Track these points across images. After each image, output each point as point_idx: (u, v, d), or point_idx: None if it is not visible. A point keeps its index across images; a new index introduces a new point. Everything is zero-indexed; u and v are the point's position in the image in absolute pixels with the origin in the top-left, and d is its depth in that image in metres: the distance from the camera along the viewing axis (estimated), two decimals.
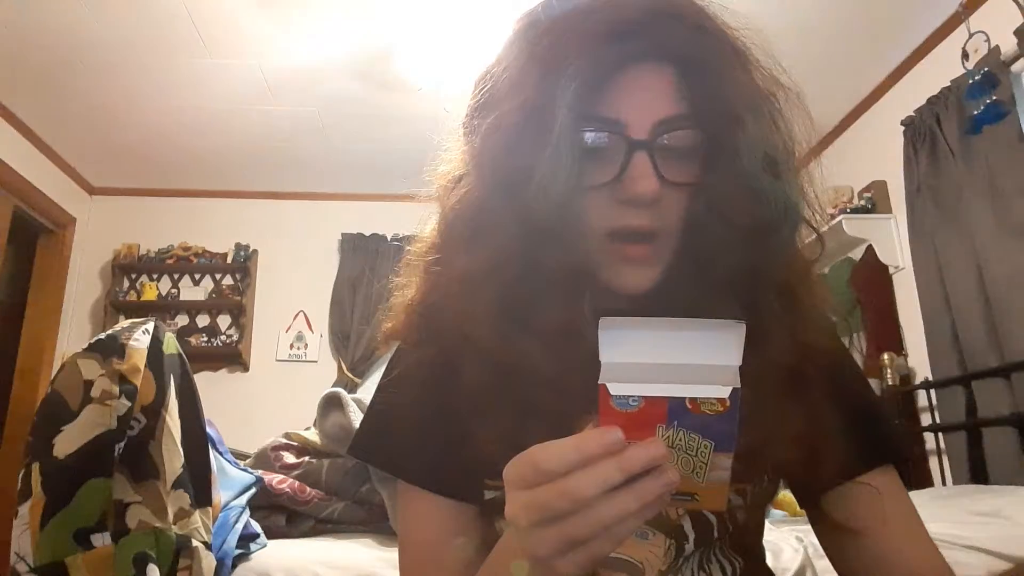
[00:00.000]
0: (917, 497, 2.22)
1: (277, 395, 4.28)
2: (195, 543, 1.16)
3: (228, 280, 4.54)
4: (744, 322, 0.42)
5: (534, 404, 0.56)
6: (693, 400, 0.41)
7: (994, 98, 2.40)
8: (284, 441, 1.78)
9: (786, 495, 2.09)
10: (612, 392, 0.41)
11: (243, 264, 4.48)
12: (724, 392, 0.40)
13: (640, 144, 0.57)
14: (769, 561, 0.75)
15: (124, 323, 1.24)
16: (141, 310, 4.31)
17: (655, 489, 0.41)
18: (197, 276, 4.53)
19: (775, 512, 2.20)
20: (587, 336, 0.54)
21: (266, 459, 1.71)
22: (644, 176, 0.57)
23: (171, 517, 1.14)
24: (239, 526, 1.34)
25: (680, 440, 0.42)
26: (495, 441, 0.52)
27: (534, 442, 0.44)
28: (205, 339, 4.34)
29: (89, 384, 1.11)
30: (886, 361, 3.02)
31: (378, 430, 0.72)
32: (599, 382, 0.41)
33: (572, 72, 0.56)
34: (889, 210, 3.32)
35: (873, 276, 3.32)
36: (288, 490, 1.58)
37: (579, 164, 0.57)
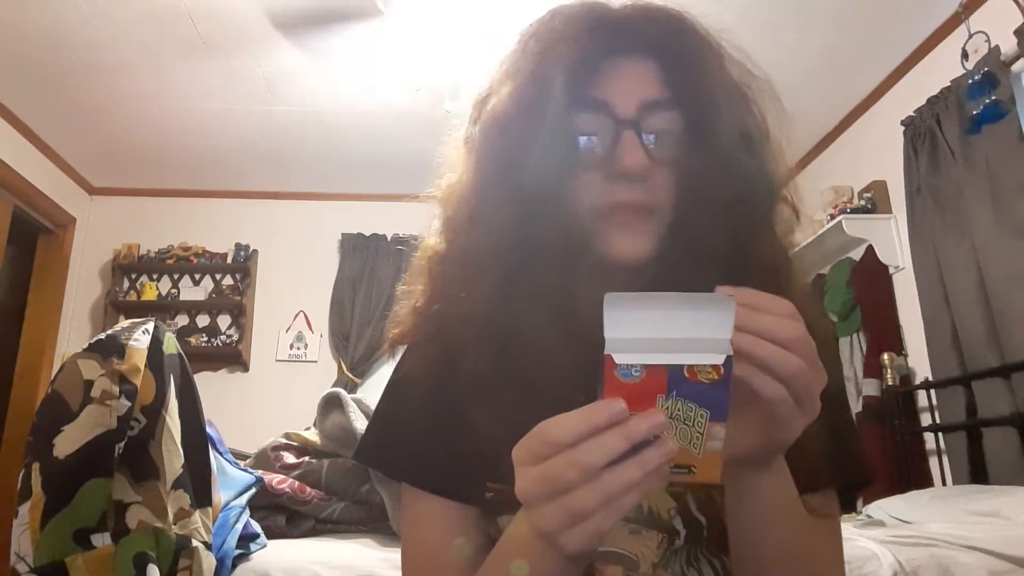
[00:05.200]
0: (918, 497, 2.23)
1: (277, 395, 4.28)
2: (195, 543, 1.16)
3: (228, 280, 4.54)
4: (734, 298, 0.45)
5: (536, 397, 0.57)
6: (690, 368, 0.44)
7: (994, 98, 2.40)
8: (284, 441, 1.78)
9: None
10: (617, 362, 0.44)
11: (243, 264, 4.48)
12: (719, 359, 0.44)
13: (628, 123, 0.63)
14: None
15: (124, 323, 1.24)
16: (141, 310, 4.30)
17: (656, 458, 0.43)
18: (197, 276, 4.53)
19: None
20: (582, 316, 0.59)
21: (266, 459, 1.71)
22: (632, 151, 0.62)
23: (171, 517, 1.14)
24: (239, 526, 1.34)
25: (678, 411, 0.45)
26: (498, 438, 0.53)
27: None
28: (205, 339, 4.34)
29: (89, 384, 1.11)
30: (886, 361, 3.02)
31: (382, 434, 0.73)
32: (605, 353, 0.44)
33: (561, 62, 0.62)
34: (889, 210, 3.32)
35: (873, 276, 3.32)
36: (288, 490, 1.58)
37: (571, 145, 0.63)
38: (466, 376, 0.63)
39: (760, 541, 0.56)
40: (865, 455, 0.74)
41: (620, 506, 0.44)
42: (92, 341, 1.17)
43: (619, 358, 0.44)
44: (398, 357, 0.75)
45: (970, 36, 2.55)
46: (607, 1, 0.69)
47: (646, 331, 0.44)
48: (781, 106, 0.69)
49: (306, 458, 1.71)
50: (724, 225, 0.62)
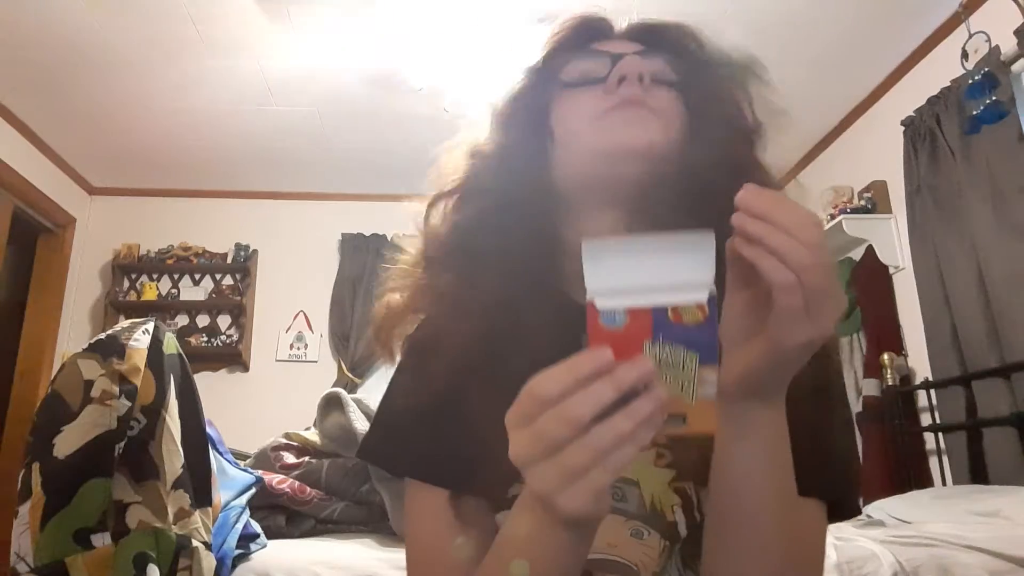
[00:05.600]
0: (918, 497, 2.23)
1: (277, 395, 4.27)
2: (195, 543, 1.17)
3: (228, 280, 4.53)
4: (713, 232, 0.44)
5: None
6: (675, 309, 0.43)
7: (994, 98, 2.40)
8: (284, 441, 1.78)
9: None
10: (599, 307, 0.43)
11: (243, 264, 4.48)
12: (702, 296, 0.43)
13: (623, 56, 0.69)
14: None
15: (124, 323, 1.24)
16: (141, 310, 4.30)
17: (647, 407, 0.42)
18: (197, 276, 4.52)
19: None
20: (567, 290, 0.67)
21: (266, 459, 1.71)
22: (630, 61, 0.68)
23: (171, 517, 1.14)
24: (239, 526, 1.34)
25: (667, 356, 0.43)
26: (496, 426, 0.53)
27: None
28: (205, 339, 4.33)
29: (89, 384, 1.11)
30: (886, 361, 3.02)
31: (385, 431, 0.73)
32: (587, 299, 0.43)
33: (566, 42, 0.74)
34: (889, 210, 3.32)
35: (873, 276, 3.32)
36: (288, 490, 1.58)
37: (564, 80, 0.72)
38: (463, 366, 0.63)
39: (745, 494, 0.54)
40: (857, 483, 0.70)
41: (614, 461, 0.43)
42: (92, 341, 1.17)
43: (601, 304, 0.43)
44: (382, 355, 0.76)
45: (970, 36, 2.56)
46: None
47: (627, 278, 0.43)
48: (760, 77, 0.74)
49: (306, 458, 1.71)
50: (723, 142, 0.67)
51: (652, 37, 0.74)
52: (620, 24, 0.76)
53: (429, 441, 0.67)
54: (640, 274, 0.43)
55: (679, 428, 0.45)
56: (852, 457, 0.70)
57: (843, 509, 0.67)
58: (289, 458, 1.70)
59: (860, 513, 0.71)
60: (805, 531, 0.60)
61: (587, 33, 0.74)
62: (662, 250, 0.44)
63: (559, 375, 0.43)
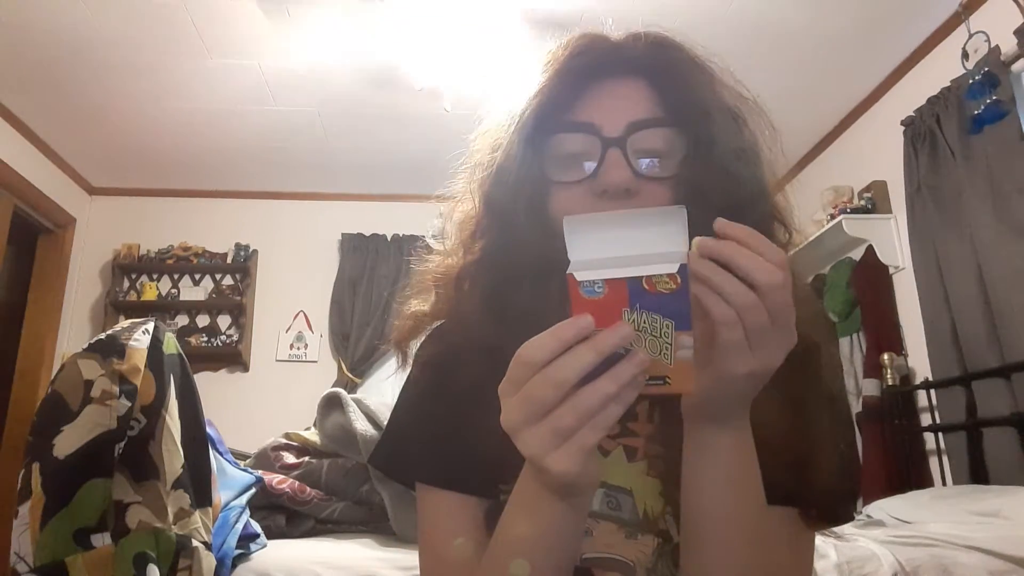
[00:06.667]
0: (918, 497, 2.23)
1: (277, 395, 4.28)
2: (195, 543, 1.17)
3: (228, 280, 4.53)
4: (684, 207, 0.47)
5: None
6: (648, 279, 0.46)
7: (994, 98, 2.40)
8: (284, 441, 1.78)
9: None
10: (579, 279, 0.46)
11: (243, 264, 4.48)
12: (673, 268, 0.45)
13: (614, 141, 0.65)
14: None
15: (124, 323, 1.24)
16: (141, 310, 4.30)
17: (629, 370, 0.45)
18: (197, 276, 4.52)
19: None
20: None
21: (266, 459, 1.72)
22: (616, 168, 0.64)
23: (171, 517, 1.14)
24: (239, 526, 1.34)
25: (644, 323, 0.46)
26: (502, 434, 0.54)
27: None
28: (205, 339, 4.33)
29: (89, 384, 1.11)
30: (886, 361, 3.02)
31: (398, 441, 0.75)
32: (567, 273, 0.46)
33: (554, 88, 0.67)
34: (889, 210, 3.32)
35: (873, 276, 3.32)
36: (288, 490, 1.58)
37: (562, 166, 0.66)
38: (471, 380, 0.64)
39: (708, 508, 0.55)
40: (844, 490, 0.68)
41: (600, 422, 0.45)
42: (92, 341, 1.17)
43: (580, 275, 0.46)
44: (398, 360, 0.77)
45: (970, 36, 2.56)
46: (604, 32, 0.72)
47: (606, 251, 0.46)
48: (771, 126, 0.70)
49: (306, 458, 1.71)
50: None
51: (659, 66, 0.68)
52: (622, 39, 0.70)
53: (443, 449, 0.68)
54: (617, 247, 0.46)
55: (661, 388, 0.48)
56: (837, 464, 0.67)
57: (829, 516, 0.67)
58: (289, 458, 1.71)
59: (851, 520, 0.71)
60: (777, 540, 0.61)
61: (586, 65, 0.68)
62: (637, 224, 0.47)
63: (545, 340, 0.46)
